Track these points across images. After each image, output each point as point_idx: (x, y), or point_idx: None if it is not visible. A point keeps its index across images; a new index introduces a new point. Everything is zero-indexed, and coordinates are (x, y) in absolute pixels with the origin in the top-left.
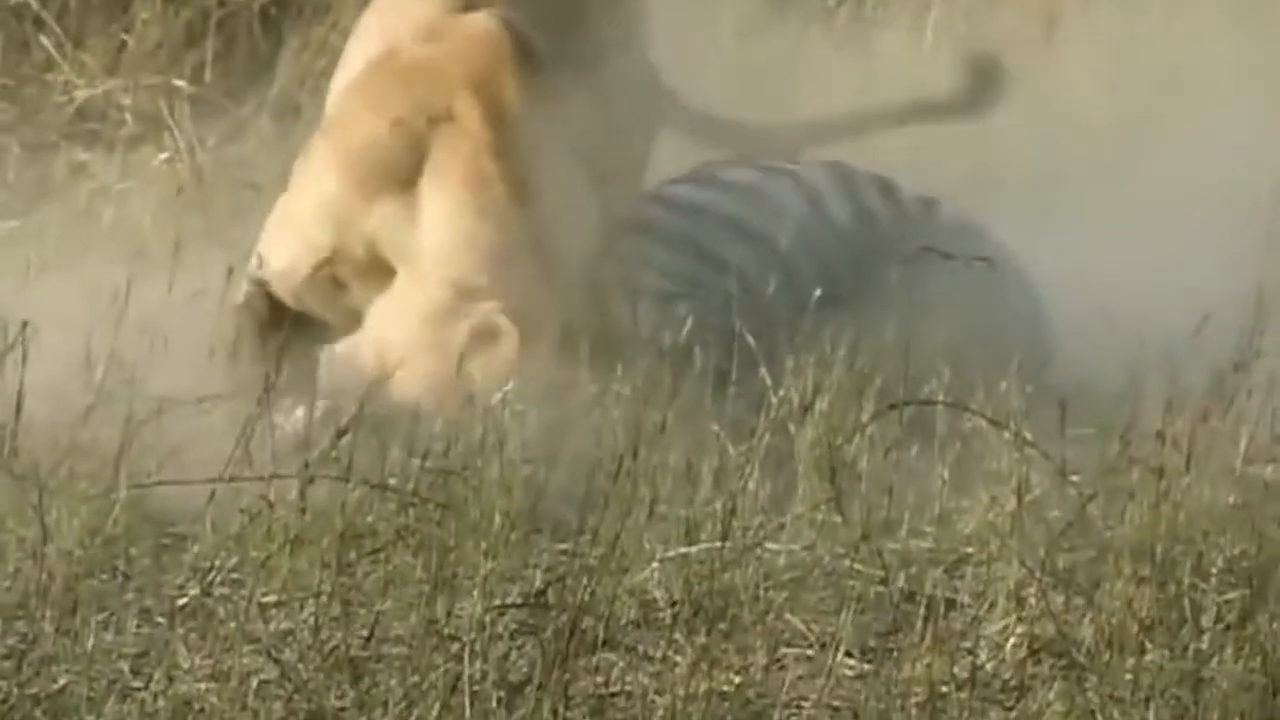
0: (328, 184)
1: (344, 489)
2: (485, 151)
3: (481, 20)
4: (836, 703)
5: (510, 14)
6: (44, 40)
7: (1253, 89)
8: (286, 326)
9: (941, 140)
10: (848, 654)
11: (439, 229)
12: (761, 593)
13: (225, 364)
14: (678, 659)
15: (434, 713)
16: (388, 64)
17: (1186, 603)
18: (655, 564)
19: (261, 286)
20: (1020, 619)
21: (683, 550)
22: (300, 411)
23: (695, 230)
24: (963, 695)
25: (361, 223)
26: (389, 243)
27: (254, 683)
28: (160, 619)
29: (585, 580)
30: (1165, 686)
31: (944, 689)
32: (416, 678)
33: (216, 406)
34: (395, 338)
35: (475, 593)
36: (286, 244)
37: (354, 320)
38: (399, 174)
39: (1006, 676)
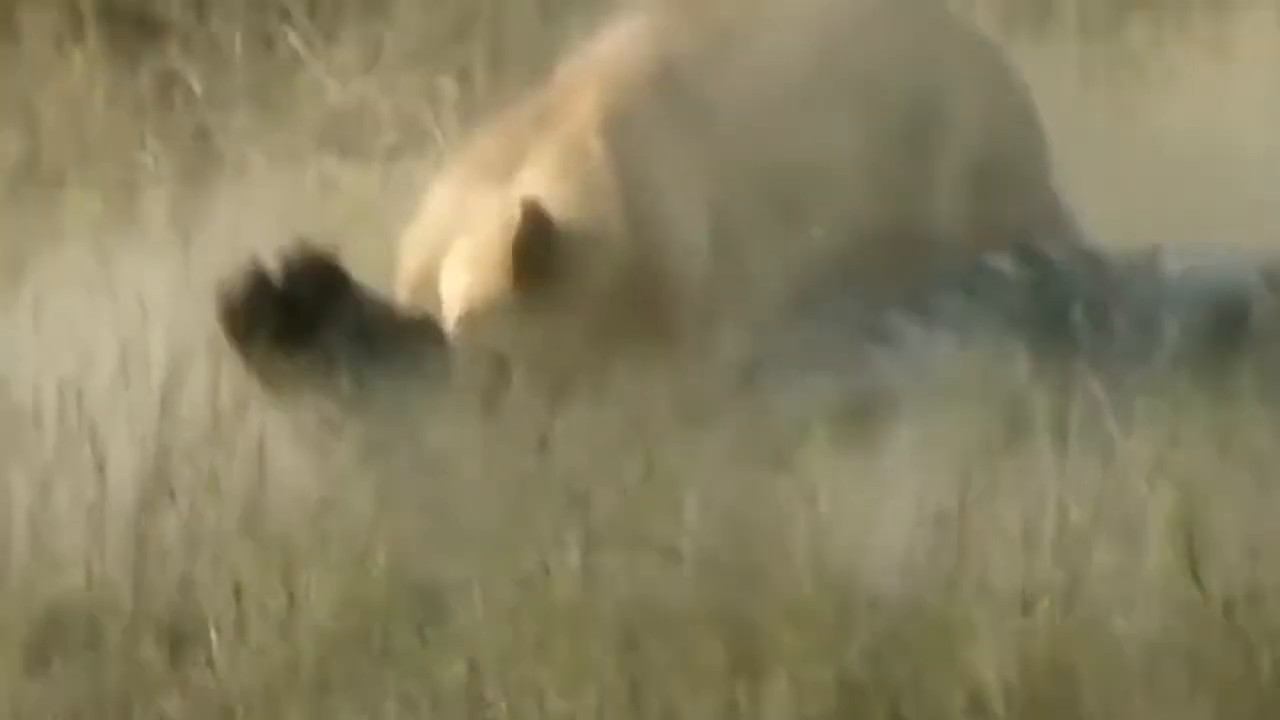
0: None
1: (631, 555)
2: None
3: None
4: None
5: None
6: (291, 36)
7: None
8: None
9: None
10: None
11: None
12: (1108, 676)
13: None
14: None
15: None
16: None
17: None
18: (986, 642)
19: None
20: None
21: (1017, 625)
22: None
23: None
24: None
25: None
26: None
27: None
28: (424, 704)
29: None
30: None
31: None
32: None
33: (480, 455)
34: None
35: (781, 674)
36: None
37: None
38: None
39: None
